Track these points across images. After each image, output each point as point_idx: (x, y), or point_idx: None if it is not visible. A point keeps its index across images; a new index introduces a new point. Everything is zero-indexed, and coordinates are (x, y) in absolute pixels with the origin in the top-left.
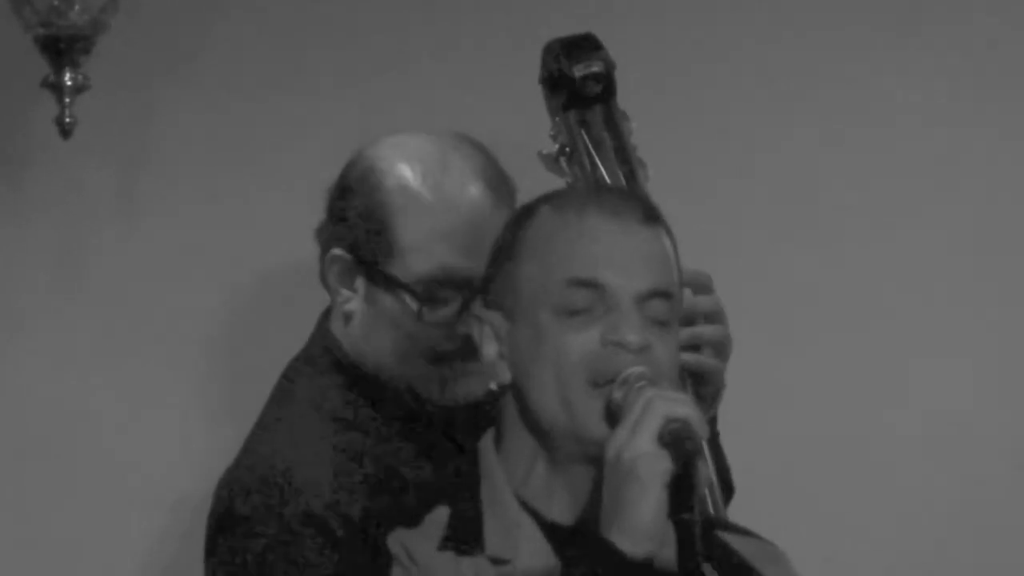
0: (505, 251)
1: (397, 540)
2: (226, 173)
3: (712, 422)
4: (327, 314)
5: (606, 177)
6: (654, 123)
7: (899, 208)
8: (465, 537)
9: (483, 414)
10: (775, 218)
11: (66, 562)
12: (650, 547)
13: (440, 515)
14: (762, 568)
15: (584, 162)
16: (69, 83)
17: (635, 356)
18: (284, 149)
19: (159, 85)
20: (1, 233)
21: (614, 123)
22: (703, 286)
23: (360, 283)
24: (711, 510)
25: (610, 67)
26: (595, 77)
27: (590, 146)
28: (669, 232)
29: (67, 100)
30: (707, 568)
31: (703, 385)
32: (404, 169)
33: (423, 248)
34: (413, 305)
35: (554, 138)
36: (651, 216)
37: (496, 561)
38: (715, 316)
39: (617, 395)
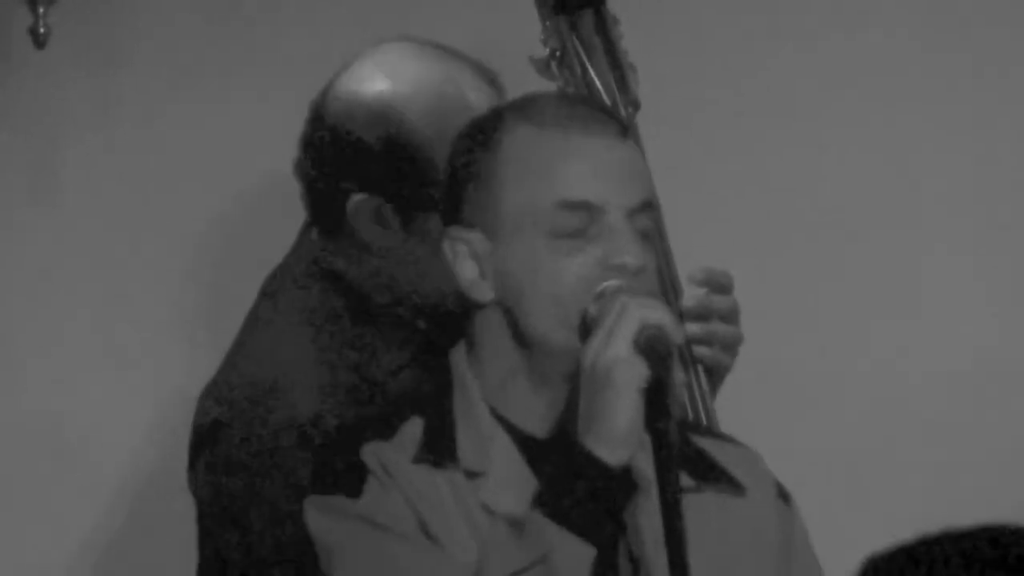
0: (476, 169)
1: (372, 453)
2: (204, 80)
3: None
4: (309, 226)
5: (596, 81)
6: (644, 29)
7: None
8: (439, 450)
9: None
10: (767, 135)
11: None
12: (627, 453)
13: (414, 427)
14: (737, 472)
15: (575, 66)
16: None
17: (633, 278)
18: (264, 53)
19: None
20: None
21: (604, 27)
22: (722, 286)
23: (395, 217)
24: (704, 420)
25: None
26: None
27: (580, 50)
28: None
29: (41, 10)
30: (683, 474)
31: (710, 376)
32: (417, 95)
33: None
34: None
35: (544, 42)
36: (624, 129)
37: (470, 474)
38: (731, 317)
39: (592, 309)
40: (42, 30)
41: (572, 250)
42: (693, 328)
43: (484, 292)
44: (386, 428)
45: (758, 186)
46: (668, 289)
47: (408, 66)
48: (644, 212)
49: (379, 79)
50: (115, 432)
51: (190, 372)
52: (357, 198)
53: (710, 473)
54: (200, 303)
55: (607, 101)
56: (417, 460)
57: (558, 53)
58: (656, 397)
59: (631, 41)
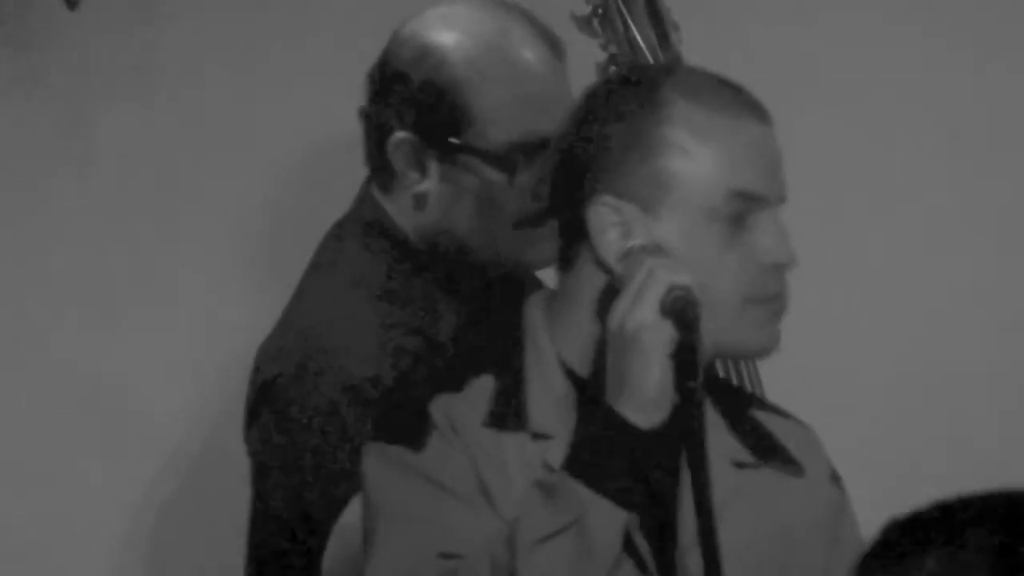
0: (634, 139)
1: (441, 407)
2: (242, 41)
3: None
4: (370, 182)
5: (639, 39)
6: None
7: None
8: (509, 412)
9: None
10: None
11: (112, 420)
12: (657, 417)
13: (485, 384)
14: (796, 450)
15: (616, 23)
16: None
17: (783, 276)
18: (307, 14)
19: None
20: (11, 109)
21: None
22: None
23: (432, 164)
24: (748, 387)
25: None
26: None
27: (623, 8)
28: None
29: None
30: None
31: None
32: (465, 41)
33: (500, 116)
34: (498, 174)
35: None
36: (768, 114)
37: (538, 436)
38: None
39: (619, 267)
40: None
41: (731, 243)
42: None
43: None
44: (456, 381)
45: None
46: None
47: (467, 15)
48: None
49: (438, 23)
50: (171, 394)
51: (248, 329)
52: (397, 136)
53: (770, 451)
54: (255, 261)
55: (649, 58)
56: (486, 424)
57: (600, 10)
58: (684, 358)
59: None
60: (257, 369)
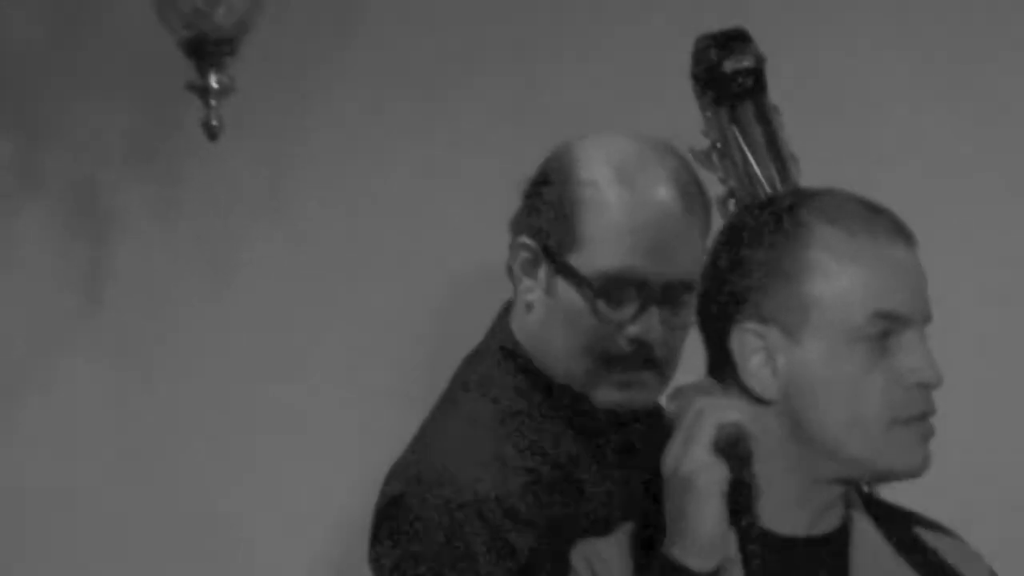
0: (776, 267)
1: (581, 553)
2: (377, 170)
3: None
4: (507, 308)
5: (759, 173)
6: (804, 116)
7: None
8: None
9: (658, 422)
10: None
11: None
12: (715, 559)
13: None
14: (960, 566)
15: (736, 158)
16: (215, 86)
17: (930, 396)
18: (437, 144)
19: (307, 83)
20: (153, 237)
21: (765, 118)
22: None
23: (543, 273)
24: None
25: (760, 61)
26: (746, 72)
27: (741, 142)
28: None
29: (213, 103)
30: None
31: None
32: (600, 163)
33: (606, 243)
34: (589, 299)
35: (706, 134)
36: (913, 237)
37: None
38: None
39: (671, 406)
40: (214, 123)
41: (874, 363)
42: None
43: (770, 390)
44: (601, 528)
45: None
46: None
47: (617, 143)
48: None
49: (588, 143)
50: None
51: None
52: (520, 239)
53: (939, 570)
54: (377, 398)
55: (768, 191)
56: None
57: (719, 144)
58: (738, 495)
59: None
60: (385, 487)
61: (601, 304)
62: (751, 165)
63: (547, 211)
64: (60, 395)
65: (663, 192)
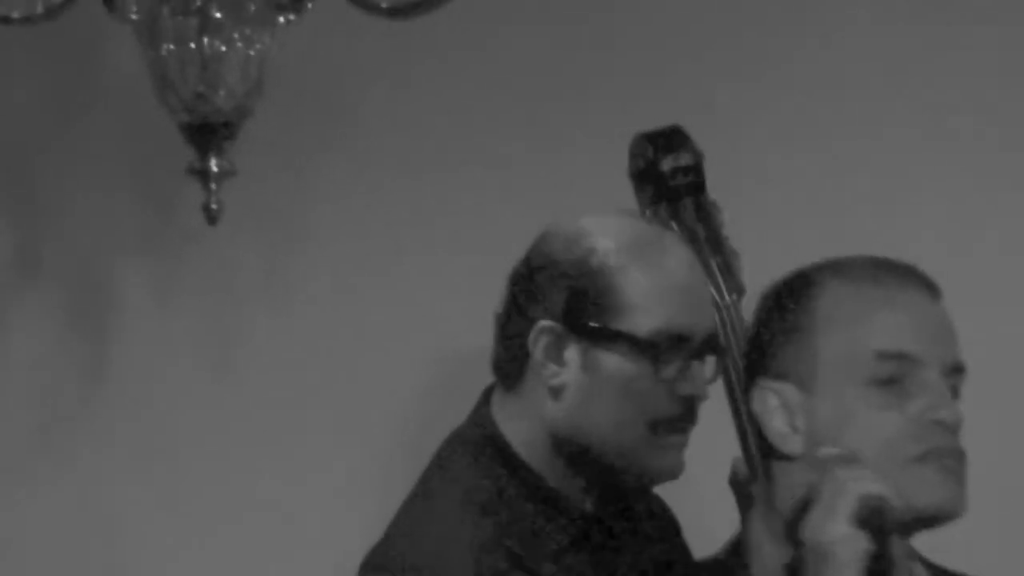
0: (789, 322)
1: None
2: (377, 255)
3: None
4: (487, 396)
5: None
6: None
7: None
8: None
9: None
10: None
11: None
12: None
13: None
14: None
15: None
16: (215, 169)
17: (951, 434)
18: (437, 227)
19: (306, 167)
20: (152, 320)
21: (706, 214)
22: None
23: (573, 352)
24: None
25: (699, 158)
26: (684, 170)
27: (682, 239)
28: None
29: (213, 186)
30: None
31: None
32: (611, 234)
33: (651, 304)
34: (643, 362)
35: None
36: (936, 289)
37: None
38: None
39: (812, 476)
40: (214, 206)
41: (887, 404)
42: None
43: (794, 445)
44: None
45: None
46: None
47: (616, 216)
48: (958, 374)
49: (586, 220)
50: None
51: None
52: (541, 324)
53: None
54: (377, 481)
55: (711, 287)
56: None
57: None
58: (878, 568)
59: None
60: (362, 573)
61: (659, 364)
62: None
63: (561, 290)
64: (61, 485)
65: (679, 251)
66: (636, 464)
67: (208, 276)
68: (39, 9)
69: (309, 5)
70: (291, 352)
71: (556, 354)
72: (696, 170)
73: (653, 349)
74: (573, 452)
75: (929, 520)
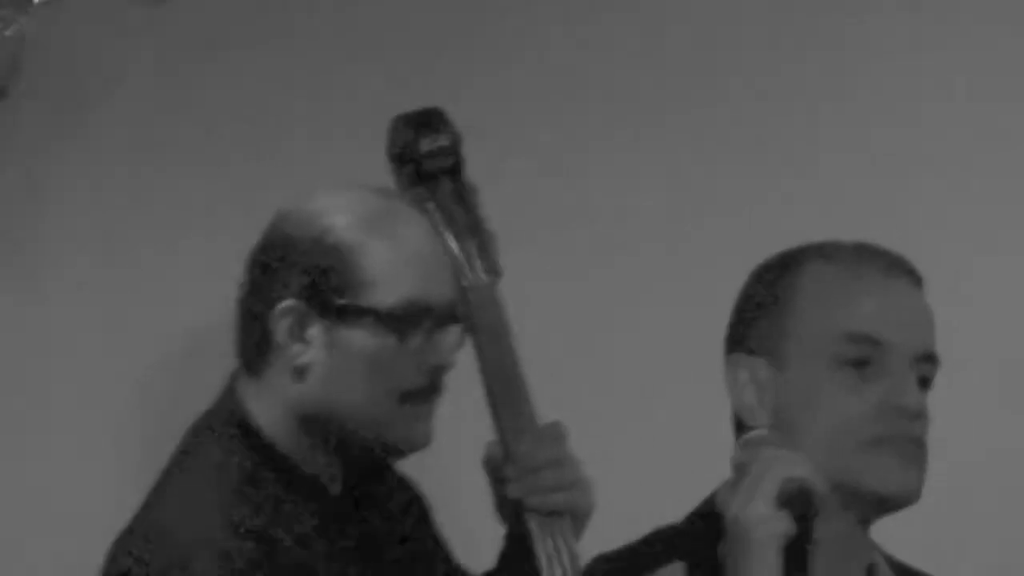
0: (768, 300)
1: None
2: (121, 245)
3: None
4: (234, 379)
5: (457, 251)
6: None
7: None
8: None
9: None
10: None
11: None
12: None
13: (675, 572)
14: None
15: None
16: None
17: (911, 422)
18: (175, 216)
19: (45, 159)
20: None
21: (463, 196)
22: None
23: (317, 330)
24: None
25: (457, 141)
26: (442, 151)
27: (440, 220)
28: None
29: None
30: None
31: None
32: (344, 211)
33: (390, 277)
34: (390, 335)
35: None
36: (918, 278)
37: None
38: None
39: (738, 455)
40: None
41: (851, 386)
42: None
43: (761, 419)
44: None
45: None
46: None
47: (349, 193)
48: (928, 363)
49: (320, 198)
50: None
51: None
52: (283, 304)
53: None
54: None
55: (466, 268)
56: None
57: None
58: (797, 550)
59: None
60: (112, 559)
61: (404, 336)
62: (451, 243)
63: (301, 270)
64: None
65: (415, 222)
66: (387, 437)
67: None
68: None
69: None
70: (39, 344)
71: (299, 333)
72: (454, 151)
73: (397, 322)
74: (322, 431)
75: (879, 504)
